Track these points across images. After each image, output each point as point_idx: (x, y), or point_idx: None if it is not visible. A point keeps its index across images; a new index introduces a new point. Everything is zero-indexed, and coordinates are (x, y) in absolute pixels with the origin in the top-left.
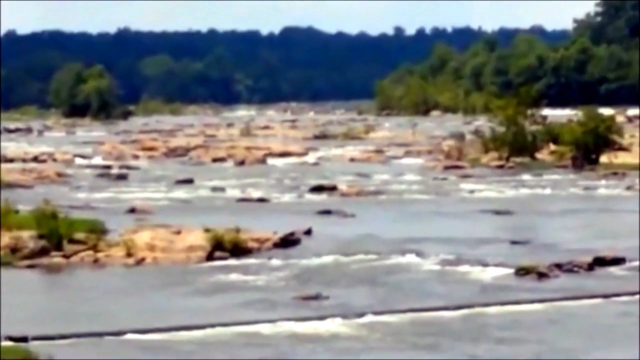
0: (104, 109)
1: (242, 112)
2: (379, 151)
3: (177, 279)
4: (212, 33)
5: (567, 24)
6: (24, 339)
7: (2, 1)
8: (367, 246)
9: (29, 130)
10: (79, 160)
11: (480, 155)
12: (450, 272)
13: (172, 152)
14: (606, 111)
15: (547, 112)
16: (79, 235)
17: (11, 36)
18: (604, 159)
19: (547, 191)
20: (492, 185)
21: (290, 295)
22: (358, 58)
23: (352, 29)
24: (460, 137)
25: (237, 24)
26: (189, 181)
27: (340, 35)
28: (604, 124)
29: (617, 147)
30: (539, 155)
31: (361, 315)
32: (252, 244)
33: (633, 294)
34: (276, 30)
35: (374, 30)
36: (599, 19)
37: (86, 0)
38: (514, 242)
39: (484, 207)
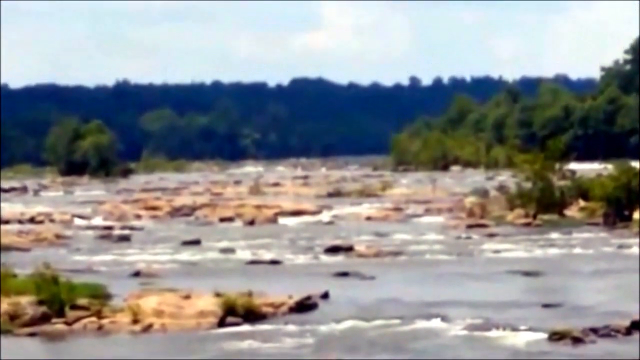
0: (103, 166)
1: (250, 169)
2: (397, 209)
3: (187, 346)
4: (217, 85)
5: (594, 73)
6: None
7: None
8: (388, 310)
9: (24, 189)
10: (78, 221)
11: (505, 213)
12: (478, 337)
13: (177, 212)
14: (637, 164)
15: (574, 166)
16: (82, 301)
17: (3, 90)
18: (637, 215)
19: (578, 250)
20: (519, 244)
21: None
22: (371, 110)
23: (364, 80)
24: (483, 193)
25: (243, 76)
26: (196, 242)
27: (352, 87)
28: (636, 178)
29: None
30: (568, 212)
31: None
32: (267, 309)
33: None
34: (284, 81)
35: (387, 81)
36: (628, 67)
37: (82, 52)
38: (545, 305)
39: (511, 267)
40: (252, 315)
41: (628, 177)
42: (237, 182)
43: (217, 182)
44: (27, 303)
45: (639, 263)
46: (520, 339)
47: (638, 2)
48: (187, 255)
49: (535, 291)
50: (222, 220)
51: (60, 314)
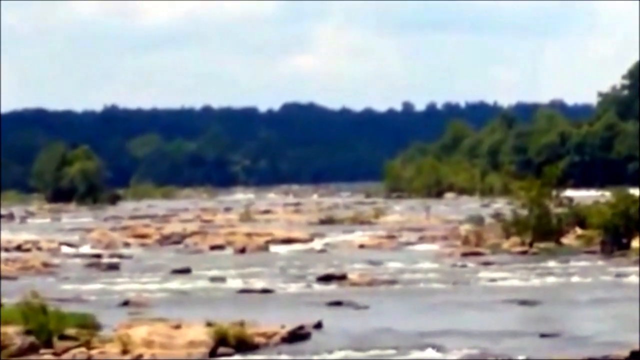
0: (91, 193)
1: (240, 195)
2: (390, 237)
3: None
4: (206, 110)
5: (590, 98)
6: None
7: None
8: (382, 340)
9: (10, 216)
10: (65, 249)
11: (501, 241)
12: None
13: (167, 239)
14: (636, 191)
15: (571, 193)
16: (70, 331)
17: None
18: (635, 243)
19: (575, 279)
20: (515, 273)
21: None
22: (364, 136)
23: (357, 105)
24: (478, 221)
25: (233, 101)
26: (186, 271)
27: (344, 112)
28: (635, 206)
29: None
30: (564, 240)
31: None
32: (259, 339)
33: None
34: (275, 106)
35: (380, 106)
36: (626, 92)
37: (70, 76)
38: (542, 335)
39: (507, 297)
40: (244, 345)
41: (626, 204)
42: (228, 209)
43: (207, 209)
44: (14, 333)
45: (639, 292)
46: None
47: (638, 27)
48: (177, 284)
49: (532, 320)
50: (213, 248)
51: (49, 344)
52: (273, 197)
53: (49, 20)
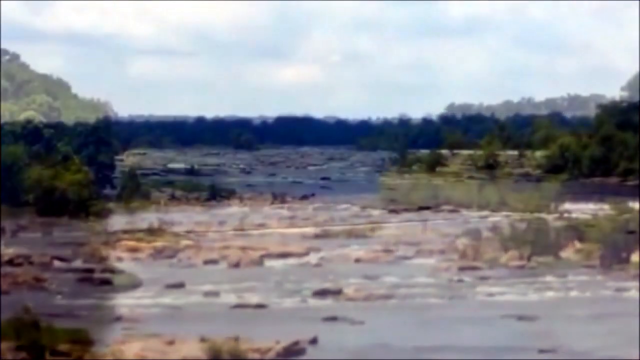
0: (84, 206)
1: (235, 209)
2: (387, 251)
3: None
4: (200, 122)
5: (589, 110)
6: None
7: None
8: (378, 356)
9: (1, 230)
10: (57, 264)
11: (498, 255)
12: None
13: (160, 254)
14: (635, 205)
15: (568, 206)
16: (63, 347)
17: None
18: (635, 257)
19: (574, 294)
20: (513, 287)
21: None
22: (360, 147)
23: (352, 116)
24: (475, 234)
25: (227, 112)
26: (180, 285)
27: (339, 124)
28: (634, 219)
29: None
30: (563, 254)
31: None
32: (253, 355)
33: None
34: (270, 119)
35: (376, 118)
36: (625, 104)
37: None
38: (540, 351)
39: (504, 312)
40: None
41: (626, 218)
42: (222, 223)
43: (201, 222)
44: (6, 349)
45: (639, 307)
46: None
47: (637, 39)
48: (170, 299)
49: (530, 336)
50: (207, 262)
51: None
52: (267, 210)
53: (41, 28)
